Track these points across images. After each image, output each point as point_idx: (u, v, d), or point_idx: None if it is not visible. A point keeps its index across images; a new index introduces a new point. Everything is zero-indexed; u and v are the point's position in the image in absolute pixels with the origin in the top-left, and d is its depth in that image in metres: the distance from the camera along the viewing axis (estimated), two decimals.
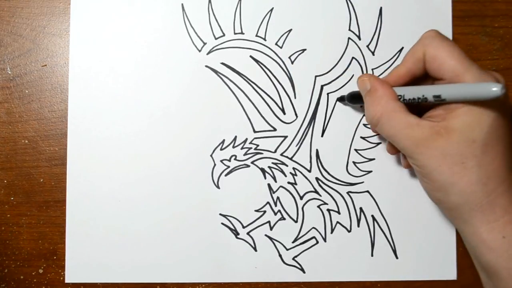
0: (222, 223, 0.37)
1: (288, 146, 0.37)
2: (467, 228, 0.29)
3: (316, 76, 0.37)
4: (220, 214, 0.37)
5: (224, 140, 0.37)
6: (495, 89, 0.25)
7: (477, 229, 0.28)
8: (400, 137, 0.29)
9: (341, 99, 0.37)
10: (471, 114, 0.27)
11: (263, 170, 0.37)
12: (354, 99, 0.35)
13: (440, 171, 0.28)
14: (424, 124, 0.29)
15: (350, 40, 0.37)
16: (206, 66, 0.37)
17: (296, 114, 0.37)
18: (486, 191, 0.28)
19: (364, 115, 0.37)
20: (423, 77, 0.31)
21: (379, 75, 0.37)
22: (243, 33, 0.37)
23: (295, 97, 0.37)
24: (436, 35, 0.30)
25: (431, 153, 0.28)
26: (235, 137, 0.37)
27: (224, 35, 0.37)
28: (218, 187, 0.37)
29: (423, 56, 0.30)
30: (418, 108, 0.31)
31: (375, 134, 0.37)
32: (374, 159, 0.37)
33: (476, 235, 0.28)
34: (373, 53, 0.37)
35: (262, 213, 0.37)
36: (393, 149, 0.34)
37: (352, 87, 0.37)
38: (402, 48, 0.37)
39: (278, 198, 0.37)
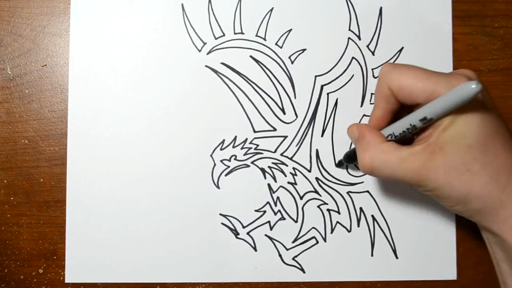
0: (222, 223, 0.37)
1: (288, 146, 0.37)
2: (494, 226, 0.29)
3: (316, 76, 0.37)
4: (220, 214, 0.37)
5: (224, 140, 0.37)
6: (473, 86, 0.24)
7: (503, 225, 0.28)
8: (399, 174, 0.29)
9: (339, 164, 0.37)
10: (457, 122, 0.27)
11: (263, 170, 0.37)
12: (351, 159, 0.35)
13: (451, 187, 0.28)
14: (416, 150, 0.28)
15: (350, 40, 0.37)
16: (206, 66, 0.37)
17: (296, 114, 0.37)
18: (500, 186, 0.27)
19: (364, 116, 0.37)
20: (401, 109, 0.31)
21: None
22: (243, 33, 0.37)
23: (295, 97, 0.37)
24: (391, 67, 0.30)
25: (435, 174, 0.28)
26: (235, 137, 0.37)
27: (224, 35, 0.37)
28: (218, 187, 0.37)
29: (390, 91, 0.30)
30: (411, 137, 0.31)
31: None
32: None
33: (504, 229, 0.28)
34: (373, 53, 0.37)
35: (262, 213, 0.37)
36: None
37: (352, 87, 0.37)
38: (402, 48, 0.37)
39: (278, 198, 0.37)
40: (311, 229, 0.37)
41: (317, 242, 0.37)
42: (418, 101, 0.29)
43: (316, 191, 0.37)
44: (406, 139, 0.31)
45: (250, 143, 0.37)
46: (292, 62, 0.37)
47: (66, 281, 0.37)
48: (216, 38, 0.37)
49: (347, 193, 0.37)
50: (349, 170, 0.37)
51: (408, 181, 0.29)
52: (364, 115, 0.37)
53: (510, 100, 0.38)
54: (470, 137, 0.27)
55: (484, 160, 0.27)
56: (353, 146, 0.36)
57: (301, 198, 0.37)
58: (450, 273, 0.37)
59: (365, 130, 0.31)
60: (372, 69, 0.37)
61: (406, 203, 0.37)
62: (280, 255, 0.37)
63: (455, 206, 0.29)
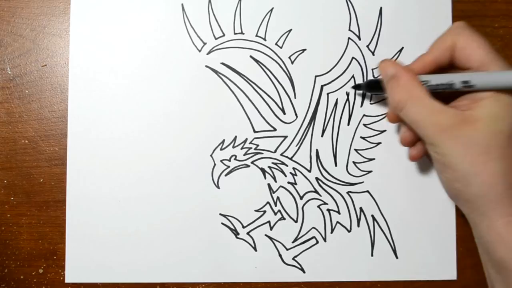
0: (222, 223, 0.37)
1: (288, 146, 0.37)
2: (483, 222, 0.29)
3: (316, 76, 0.37)
4: (220, 214, 0.37)
5: (224, 140, 0.37)
6: None
7: (493, 222, 0.28)
8: (425, 124, 0.29)
9: (357, 87, 0.37)
10: (498, 105, 0.28)
11: (263, 170, 0.37)
12: (372, 88, 0.35)
13: (463, 160, 0.28)
14: (450, 111, 0.28)
15: (350, 40, 0.37)
16: (206, 66, 0.37)
17: (296, 114, 0.37)
18: (506, 183, 0.27)
19: (364, 116, 0.37)
20: (447, 68, 0.31)
21: (379, 75, 0.37)
22: (243, 33, 0.37)
23: (295, 97, 0.37)
24: (466, 26, 0.30)
25: (456, 141, 0.28)
26: (235, 137, 0.37)
27: (224, 35, 0.37)
28: (218, 187, 0.37)
29: (453, 45, 0.30)
30: (441, 99, 0.30)
31: (375, 134, 0.37)
32: (374, 159, 0.37)
33: (492, 228, 0.28)
34: (373, 53, 0.37)
35: (262, 213, 0.37)
36: (395, 117, 0.33)
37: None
38: (402, 48, 0.37)
39: (278, 198, 0.37)
40: (311, 229, 0.37)
41: (317, 242, 0.37)
42: (469, 67, 0.29)
43: (316, 191, 0.37)
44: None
45: (250, 143, 0.37)
46: (292, 62, 0.37)
47: (66, 281, 0.37)
48: (216, 38, 0.37)
49: (347, 193, 0.37)
50: (348, 169, 0.37)
51: (428, 133, 0.29)
52: (364, 115, 0.37)
53: None
54: (505, 124, 0.27)
55: (505, 152, 0.27)
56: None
57: (301, 198, 0.37)
58: (450, 273, 0.37)
59: (402, 70, 0.31)
60: (372, 69, 0.37)
61: (406, 203, 0.37)
62: (280, 255, 0.37)
63: (456, 183, 0.29)
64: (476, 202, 0.28)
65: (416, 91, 0.30)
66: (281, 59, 0.37)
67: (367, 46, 0.37)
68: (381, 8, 0.37)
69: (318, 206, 0.37)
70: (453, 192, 0.30)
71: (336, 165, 0.37)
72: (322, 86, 0.37)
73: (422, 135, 0.30)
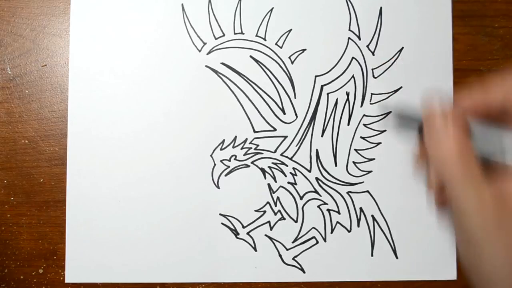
0: (222, 223, 0.37)
1: (288, 146, 0.37)
2: None
3: (316, 76, 0.37)
4: (220, 214, 0.37)
5: (224, 140, 0.37)
6: None
7: None
8: (470, 212, 0.23)
9: (383, 107, 0.32)
10: None
11: (263, 170, 0.37)
12: (402, 124, 0.26)
13: (504, 262, 0.22)
14: (499, 202, 0.22)
15: (350, 40, 0.37)
16: (206, 66, 0.37)
17: (296, 114, 0.37)
18: None
19: (364, 116, 0.37)
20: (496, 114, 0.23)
21: (379, 75, 0.37)
22: (243, 33, 0.37)
23: (295, 97, 0.37)
24: None
25: (500, 243, 0.22)
26: (235, 137, 0.37)
27: (224, 35, 0.37)
28: (218, 187, 0.37)
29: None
30: None
31: (375, 134, 0.37)
32: (374, 159, 0.37)
33: None
34: (373, 53, 0.37)
35: (262, 213, 0.37)
36: (443, 202, 0.26)
37: (352, 87, 0.37)
38: (402, 48, 0.37)
39: (278, 198, 0.37)
40: (311, 229, 0.37)
41: (317, 242, 0.37)
42: None
43: (316, 191, 0.37)
44: None
45: (250, 143, 0.37)
46: (292, 62, 0.37)
47: (66, 281, 0.37)
48: (216, 38, 0.37)
49: (347, 193, 0.37)
50: (348, 169, 0.37)
51: (459, 207, 0.23)
52: (364, 115, 0.37)
53: None
54: None
55: None
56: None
57: (301, 198, 0.37)
58: (450, 273, 0.37)
59: (453, 112, 0.23)
60: (372, 69, 0.37)
61: (406, 203, 0.37)
62: (280, 255, 0.37)
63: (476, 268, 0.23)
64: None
65: (466, 145, 0.22)
66: (281, 59, 0.37)
67: (367, 46, 0.37)
68: (381, 8, 0.37)
69: (318, 206, 0.37)
70: (467, 267, 0.24)
71: (336, 165, 0.37)
72: (322, 86, 0.37)
73: (457, 215, 0.24)
